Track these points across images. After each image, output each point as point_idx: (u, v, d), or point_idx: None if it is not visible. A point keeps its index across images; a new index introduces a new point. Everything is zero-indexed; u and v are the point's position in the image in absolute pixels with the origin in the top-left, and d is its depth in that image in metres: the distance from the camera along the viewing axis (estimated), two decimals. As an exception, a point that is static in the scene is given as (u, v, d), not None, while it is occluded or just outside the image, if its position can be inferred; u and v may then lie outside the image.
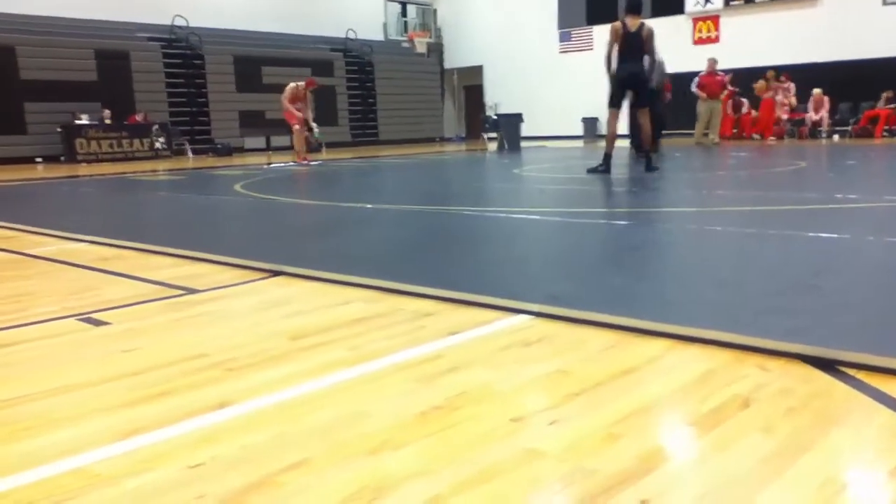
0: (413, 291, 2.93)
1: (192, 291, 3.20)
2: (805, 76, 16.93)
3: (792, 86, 16.64)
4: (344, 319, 2.64)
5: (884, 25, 16.84)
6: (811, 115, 16.59)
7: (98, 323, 2.73)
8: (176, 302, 3.04)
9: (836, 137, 16.17)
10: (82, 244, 4.76)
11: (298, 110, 13.17)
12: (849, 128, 16.86)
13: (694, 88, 15.25)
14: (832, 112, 16.86)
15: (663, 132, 12.25)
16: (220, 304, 2.98)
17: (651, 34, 8.31)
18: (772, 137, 16.33)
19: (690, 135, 16.08)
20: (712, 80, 15.26)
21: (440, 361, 2.14)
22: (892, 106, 16.39)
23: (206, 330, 2.61)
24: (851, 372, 1.89)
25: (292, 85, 13.30)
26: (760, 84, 16.63)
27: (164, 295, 3.16)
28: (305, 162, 13.11)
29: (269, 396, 1.91)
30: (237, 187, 8.59)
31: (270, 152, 19.34)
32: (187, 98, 19.15)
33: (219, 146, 18.48)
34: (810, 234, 4.06)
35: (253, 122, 19.89)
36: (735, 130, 17.28)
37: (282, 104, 13.32)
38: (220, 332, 2.56)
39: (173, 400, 1.91)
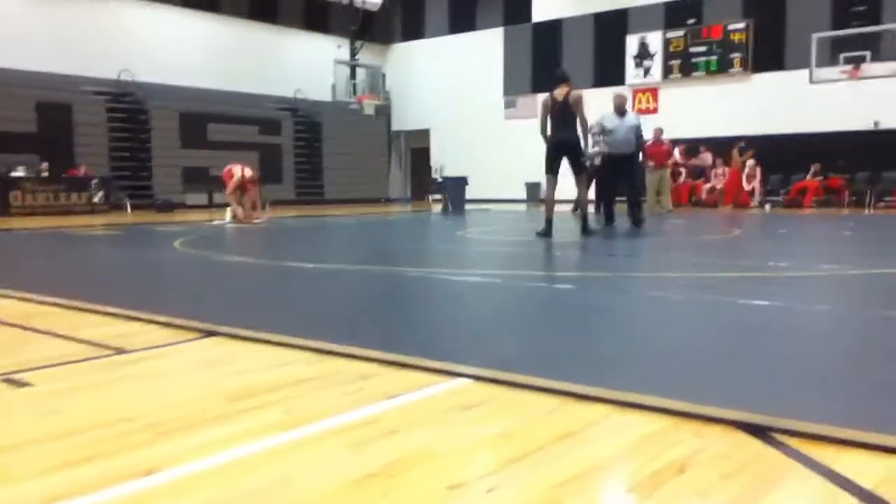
0: (352, 353, 2.89)
1: (122, 351, 3.09)
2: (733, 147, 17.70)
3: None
4: (280, 382, 2.57)
5: (811, 102, 17.72)
6: (745, 186, 17.26)
7: (20, 384, 2.60)
8: (105, 362, 2.93)
9: (767, 207, 16.79)
10: (7, 300, 4.57)
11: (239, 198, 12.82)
12: (780, 198, 17.56)
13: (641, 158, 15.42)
14: (764, 183, 17.57)
15: (642, 198, 11.90)
16: (151, 365, 2.89)
17: (578, 99, 8.56)
18: (729, 206, 16.98)
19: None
20: (659, 149, 15.41)
21: (378, 426, 2.10)
22: (819, 178, 17.17)
23: (135, 392, 2.52)
24: (784, 438, 1.91)
25: (237, 177, 12.74)
26: (734, 154, 17.28)
27: (93, 355, 3.04)
28: (256, 219, 12.83)
29: (199, 462, 1.84)
30: (176, 244, 8.44)
31: (213, 209, 19.11)
32: (130, 152, 18.90)
33: (159, 201, 18.20)
34: (744, 301, 4.16)
35: (196, 178, 19.71)
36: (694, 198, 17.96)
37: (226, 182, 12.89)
38: (151, 394, 2.47)
39: (98, 465, 1.82)
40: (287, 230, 11.86)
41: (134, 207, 18.20)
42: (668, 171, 15.96)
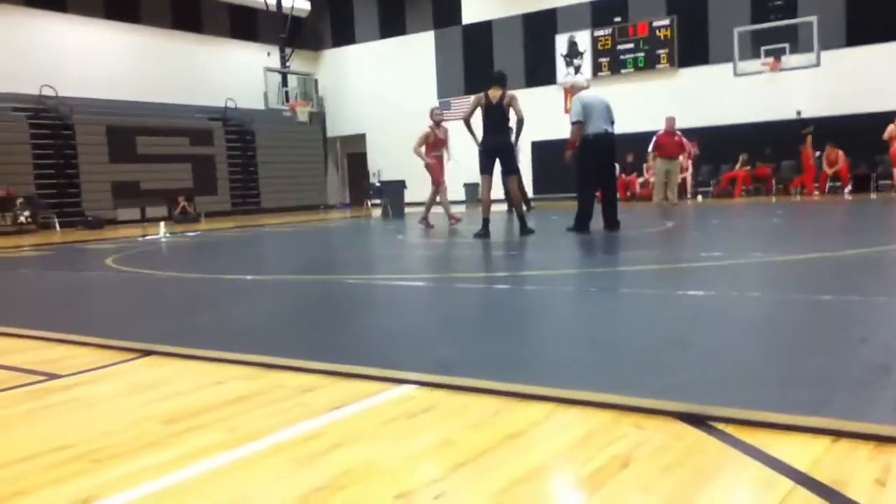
0: (293, 366, 2.85)
1: (53, 377, 2.99)
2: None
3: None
4: (221, 399, 2.52)
5: (737, 94, 18.27)
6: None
7: (-55, 417, 2.50)
8: (35, 389, 2.83)
9: (699, 198, 17.23)
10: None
11: (435, 158, 11.42)
12: (710, 188, 18.04)
13: (650, 149, 14.62)
14: (695, 174, 18.01)
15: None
16: (85, 390, 2.79)
17: (512, 100, 8.69)
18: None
19: (555, 199, 16.50)
20: (670, 140, 14.36)
21: (323, 439, 2.07)
22: (747, 168, 17.70)
23: (69, 418, 2.43)
24: (722, 426, 1.96)
25: (426, 130, 11.42)
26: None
27: (22, 382, 2.93)
28: (454, 221, 11.54)
29: (140, 487, 1.78)
30: (108, 261, 8.20)
31: (146, 224, 18.65)
32: (56, 169, 18.30)
33: (89, 219, 17.68)
34: (680, 292, 4.25)
35: (127, 193, 19.22)
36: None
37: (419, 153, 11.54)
38: (86, 421, 2.39)
39: (30, 499, 1.75)
40: (224, 242, 11.65)
41: (63, 226, 17.63)
42: (678, 163, 14.65)
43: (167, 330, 3.84)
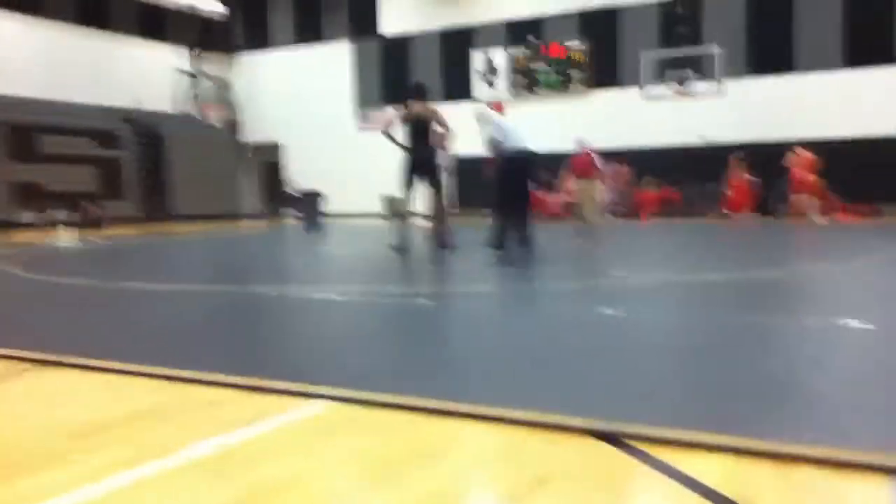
0: (203, 379, 2.78)
1: (-57, 389, 2.82)
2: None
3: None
4: (126, 413, 2.44)
5: (646, 118, 18.94)
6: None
7: None
8: (-77, 402, 2.66)
9: (609, 218, 17.71)
10: None
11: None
12: (619, 209, 18.59)
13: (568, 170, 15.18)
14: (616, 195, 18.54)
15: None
16: (-22, 403, 2.65)
17: (435, 114, 8.68)
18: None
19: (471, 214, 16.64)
20: (583, 159, 13.88)
21: (235, 455, 2.03)
22: (655, 190, 18.33)
23: (-40, 434, 2.30)
24: (634, 443, 2.02)
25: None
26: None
27: None
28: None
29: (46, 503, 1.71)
30: (4, 266, 7.79)
31: (47, 227, 17.81)
32: (-54, 168, 17.28)
33: (-16, 220, 16.75)
34: (594, 309, 4.36)
35: (28, 194, 18.29)
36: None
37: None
38: (-21, 436, 2.27)
39: (-85, 521, 1.65)
40: (129, 249, 11.24)
41: (-47, 228, 16.64)
42: (595, 183, 15.18)
43: (68, 339, 3.68)
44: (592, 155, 15.19)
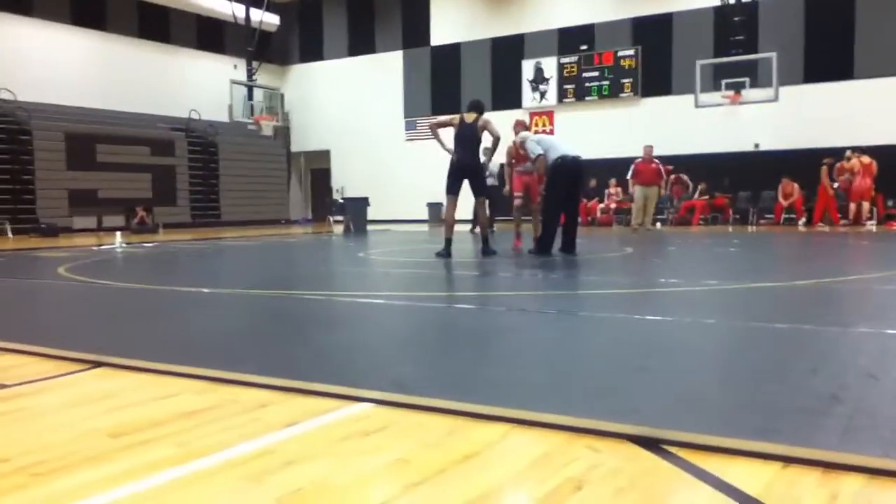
0: (247, 381, 2.80)
1: (-2, 386, 2.90)
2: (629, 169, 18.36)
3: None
4: (171, 413, 2.47)
5: (696, 125, 18.66)
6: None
7: None
8: (-22, 399, 2.74)
9: (658, 225, 17.47)
10: None
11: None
12: (668, 217, 18.33)
13: (629, 176, 15.31)
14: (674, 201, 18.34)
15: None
16: (29, 401, 2.71)
17: (486, 123, 8.70)
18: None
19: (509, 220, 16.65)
20: (648, 167, 15.02)
21: (275, 456, 2.03)
22: (705, 197, 18.04)
23: (10, 430, 2.35)
24: (674, 450, 1.97)
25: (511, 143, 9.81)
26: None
27: (-35, 391, 2.84)
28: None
29: (81, 503, 1.73)
30: (61, 270, 8.02)
31: (102, 233, 18.31)
32: (10, 175, 17.89)
33: (44, 226, 17.29)
34: (637, 316, 4.29)
35: (84, 201, 18.84)
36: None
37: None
38: (28, 432, 2.32)
39: (-37, 513, 1.69)
40: (181, 254, 11.47)
41: (16, 232, 17.22)
42: (657, 189, 15.32)
43: (119, 342, 3.76)
44: (659, 164, 15.26)
